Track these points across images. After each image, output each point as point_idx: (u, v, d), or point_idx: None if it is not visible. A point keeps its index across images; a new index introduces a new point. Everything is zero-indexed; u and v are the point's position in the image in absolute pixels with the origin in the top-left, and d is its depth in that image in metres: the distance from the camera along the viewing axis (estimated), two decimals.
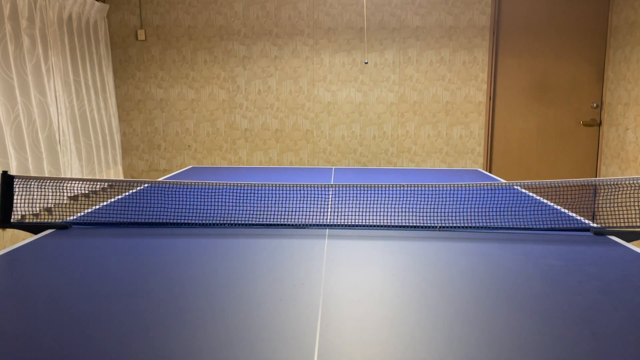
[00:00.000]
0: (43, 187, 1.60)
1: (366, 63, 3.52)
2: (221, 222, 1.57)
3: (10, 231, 3.02)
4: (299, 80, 4.22)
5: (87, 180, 1.57)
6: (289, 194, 2.04)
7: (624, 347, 0.79)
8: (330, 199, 1.94)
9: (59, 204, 1.83)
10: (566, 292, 1.01)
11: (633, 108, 3.68)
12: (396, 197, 1.96)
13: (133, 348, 0.78)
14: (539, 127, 4.17)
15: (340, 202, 1.89)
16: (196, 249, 1.30)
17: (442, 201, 1.91)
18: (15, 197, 1.53)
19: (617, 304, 0.95)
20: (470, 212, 1.74)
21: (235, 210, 1.76)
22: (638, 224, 1.53)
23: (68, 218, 1.66)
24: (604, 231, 1.46)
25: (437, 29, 4.11)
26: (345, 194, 2.04)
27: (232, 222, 1.58)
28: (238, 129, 4.32)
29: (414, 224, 1.55)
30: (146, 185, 2.25)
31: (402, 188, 2.10)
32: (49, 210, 1.84)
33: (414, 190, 2.13)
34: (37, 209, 1.70)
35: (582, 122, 4.16)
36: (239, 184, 1.63)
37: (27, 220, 1.62)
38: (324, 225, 1.54)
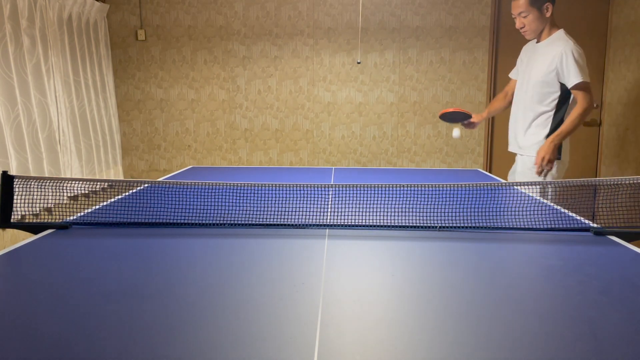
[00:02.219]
0: (43, 187, 1.60)
1: (359, 63, 3.53)
2: (221, 222, 1.57)
3: (10, 231, 3.02)
4: (299, 80, 4.22)
5: (87, 180, 1.57)
6: (289, 194, 2.04)
7: (624, 347, 0.79)
8: (330, 199, 1.94)
9: (59, 204, 1.83)
10: (566, 292, 1.01)
11: (633, 108, 3.68)
12: (396, 197, 1.96)
13: (133, 348, 0.78)
14: None
15: (340, 202, 1.89)
16: (196, 249, 1.30)
17: (442, 201, 1.91)
18: (15, 197, 1.53)
19: (617, 304, 0.95)
20: (470, 212, 1.74)
21: (235, 210, 1.76)
22: (638, 224, 1.53)
23: (68, 218, 1.66)
24: (604, 231, 1.46)
25: (437, 29, 4.11)
26: (345, 194, 2.04)
27: (232, 222, 1.58)
28: (238, 129, 4.32)
29: (414, 224, 1.55)
30: (146, 185, 2.25)
31: (402, 188, 2.10)
32: (49, 210, 1.84)
33: (414, 190, 2.13)
34: (37, 209, 1.70)
35: None
36: (239, 184, 1.63)
37: (27, 220, 1.62)
38: (324, 225, 1.54)
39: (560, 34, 2.39)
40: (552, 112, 2.41)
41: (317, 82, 4.22)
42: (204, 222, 1.57)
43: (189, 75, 4.25)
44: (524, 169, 2.50)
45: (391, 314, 0.91)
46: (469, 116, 2.73)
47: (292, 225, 1.54)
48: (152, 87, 4.28)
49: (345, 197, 1.98)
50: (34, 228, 1.51)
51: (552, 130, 2.40)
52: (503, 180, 2.66)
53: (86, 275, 1.11)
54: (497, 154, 4.29)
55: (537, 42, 2.48)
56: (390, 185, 1.58)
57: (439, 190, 2.11)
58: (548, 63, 2.36)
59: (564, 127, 2.33)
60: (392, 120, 4.26)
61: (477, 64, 4.14)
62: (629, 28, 3.71)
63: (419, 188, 2.01)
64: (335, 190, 2.11)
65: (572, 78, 2.30)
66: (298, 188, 2.10)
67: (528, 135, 2.48)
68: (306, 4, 4.11)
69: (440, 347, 0.79)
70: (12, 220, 1.51)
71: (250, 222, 1.59)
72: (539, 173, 2.39)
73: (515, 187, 2.25)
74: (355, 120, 4.27)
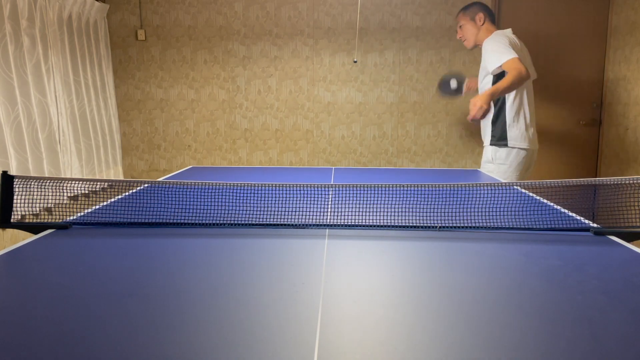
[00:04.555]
0: (43, 187, 1.61)
1: (355, 62, 3.55)
2: (221, 222, 1.57)
3: (10, 231, 3.02)
4: (299, 81, 4.22)
5: (87, 180, 1.57)
6: (289, 194, 2.04)
7: (624, 347, 0.79)
8: (330, 199, 1.94)
9: (59, 204, 1.83)
10: (566, 292, 1.01)
11: (633, 108, 3.68)
12: (396, 197, 1.97)
13: (133, 348, 0.78)
14: (538, 127, 4.17)
15: (340, 202, 1.89)
16: (196, 249, 1.30)
17: (442, 201, 1.91)
18: (15, 197, 1.53)
19: (617, 304, 0.95)
20: (470, 212, 1.74)
21: (235, 210, 1.76)
22: (638, 224, 1.53)
23: (68, 218, 1.66)
24: (604, 231, 1.46)
25: (437, 29, 4.11)
26: (345, 194, 2.04)
27: (232, 222, 1.58)
28: (238, 129, 4.32)
29: (414, 224, 1.55)
30: (146, 185, 2.26)
31: (402, 188, 2.10)
32: (49, 210, 1.84)
33: (414, 190, 2.13)
34: (37, 209, 1.70)
35: (582, 122, 4.16)
36: (239, 184, 1.63)
37: (27, 220, 1.62)
38: (324, 225, 1.54)
39: (494, 34, 2.69)
40: (500, 105, 2.72)
41: (317, 82, 4.22)
42: (204, 222, 1.57)
43: (189, 75, 4.25)
44: (485, 158, 2.86)
45: (391, 314, 0.91)
46: (461, 80, 3.09)
47: (292, 225, 1.54)
48: (152, 87, 4.28)
49: (345, 197, 1.98)
50: (34, 228, 1.51)
51: (494, 118, 2.74)
52: (503, 180, 2.66)
53: (86, 275, 1.11)
54: None
55: None
56: (390, 185, 1.58)
57: (439, 190, 2.11)
58: (482, 63, 2.72)
59: (498, 84, 2.52)
60: (392, 120, 4.26)
61: (477, 64, 4.14)
62: (629, 28, 3.71)
63: (419, 188, 2.01)
64: (335, 190, 2.11)
65: (492, 64, 2.58)
66: (298, 188, 2.10)
67: (485, 130, 2.85)
68: (306, 4, 4.11)
69: (440, 347, 0.79)
70: (12, 220, 1.51)
71: (250, 222, 1.59)
72: (471, 119, 2.62)
73: (515, 187, 2.25)
74: (355, 120, 4.27)
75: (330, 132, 4.30)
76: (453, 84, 3.07)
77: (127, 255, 1.26)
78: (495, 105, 2.70)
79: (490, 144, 2.79)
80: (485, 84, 2.73)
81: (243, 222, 1.58)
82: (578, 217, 1.68)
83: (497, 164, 2.77)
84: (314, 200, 1.90)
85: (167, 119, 4.33)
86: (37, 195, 1.63)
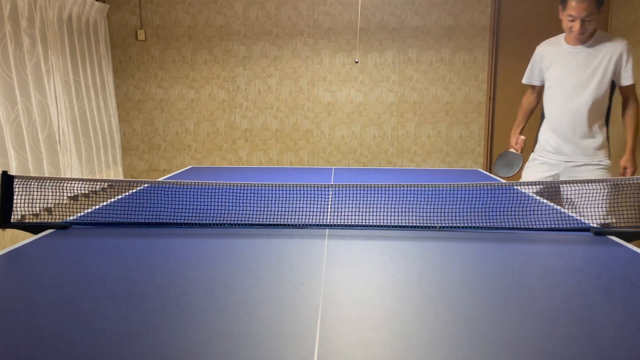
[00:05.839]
0: (43, 187, 1.60)
1: (356, 62, 3.53)
2: (221, 222, 1.57)
3: (10, 231, 3.02)
4: (299, 80, 4.22)
5: (87, 180, 1.57)
6: (289, 194, 2.04)
7: (624, 347, 0.79)
8: (330, 199, 1.94)
9: (59, 204, 1.83)
10: (566, 292, 1.01)
11: None
12: (396, 197, 1.96)
13: (133, 347, 0.78)
14: None
15: (340, 202, 1.89)
16: (196, 249, 1.30)
17: (442, 201, 1.91)
18: (15, 197, 1.53)
19: (617, 304, 0.95)
20: (470, 212, 1.74)
21: (235, 210, 1.76)
22: (638, 224, 1.53)
23: (68, 218, 1.66)
24: (604, 231, 1.46)
25: (437, 29, 4.11)
26: (345, 194, 2.04)
27: (232, 222, 1.58)
28: (238, 129, 4.32)
29: (414, 224, 1.55)
30: (146, 185, 2.25)
31: (402, 188, 2.10)
32: (48, 210, 1.84)
33: (414, 190, 2.13)
34: (37, 209, 1.70)
35: None
36: (239, 184, 1.63)
37: (27, 220, 1.62)
38: (324, 225, 1.54)
39: (603, 33, 2.29)
40: (605, 114, 2.41)
41: (317, 82, 4.22)
42: (204, 222, 1.56)
43: (189, 75, 4.25)
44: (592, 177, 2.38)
45: (391, 314, 0.91)
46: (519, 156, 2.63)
47: (292, 225, 1.54)
48: (152, 87, 4.28)
49: (345, 197, 1.98)
50: (34, 228, 1.51)
51: (607, 136, 2.47)
52: (503, 180, 2.66)
53: (86, 275, 1.11)
54: (497, 154, 4.29)
55: (572, 45, 2.30)
56: (390, 185, 1.58)
57: (439, 190, 2.11)
58: (606, 64, 2.25)
59: (632, 137, 2.41)
60: (392, 120, 4.26)
61: (477, 64, 4.14)
62: (629, 28, 3.71)
63: (419, 188, 2.01)
64: (335, 190, 2.11)
65: (629, 79, 2.27)
66: (298, 188, 2.10)
67: (589, 140, 2.38)
68: (306, 4, 4.11)
69: (440, 347, 0.79)
70: (12, 220, 1.51)
71: (250, 222, 1.59)
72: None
73: (515, 187, 2.25)
74: (355, 120, 4.27)
75: (330, 132, 4.30)
76: (509, 168, 2.57)
77: (127, 255, 1.26)
78: (605, 116, 2.43)
79: (607, 159, 2.50)
80: (603, 96, 2.31)
81: (243, 222, 1.58)
82: (578, 217, 1.68)
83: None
84: (314, 201, 1.90)
85: (167, 119, 4.33)
86: (37, 195, 1.63)
